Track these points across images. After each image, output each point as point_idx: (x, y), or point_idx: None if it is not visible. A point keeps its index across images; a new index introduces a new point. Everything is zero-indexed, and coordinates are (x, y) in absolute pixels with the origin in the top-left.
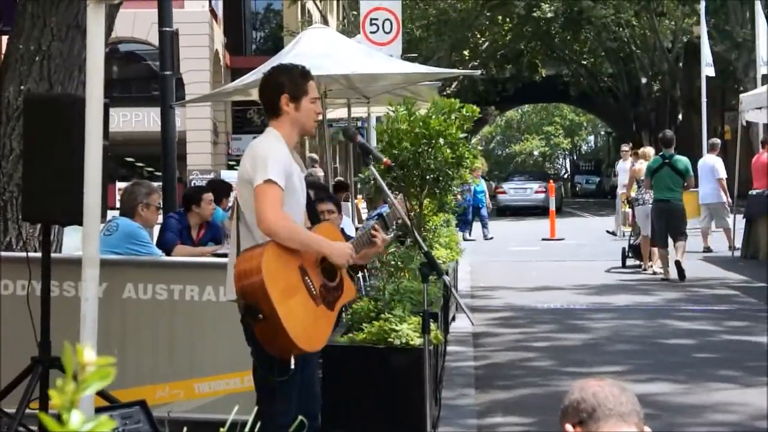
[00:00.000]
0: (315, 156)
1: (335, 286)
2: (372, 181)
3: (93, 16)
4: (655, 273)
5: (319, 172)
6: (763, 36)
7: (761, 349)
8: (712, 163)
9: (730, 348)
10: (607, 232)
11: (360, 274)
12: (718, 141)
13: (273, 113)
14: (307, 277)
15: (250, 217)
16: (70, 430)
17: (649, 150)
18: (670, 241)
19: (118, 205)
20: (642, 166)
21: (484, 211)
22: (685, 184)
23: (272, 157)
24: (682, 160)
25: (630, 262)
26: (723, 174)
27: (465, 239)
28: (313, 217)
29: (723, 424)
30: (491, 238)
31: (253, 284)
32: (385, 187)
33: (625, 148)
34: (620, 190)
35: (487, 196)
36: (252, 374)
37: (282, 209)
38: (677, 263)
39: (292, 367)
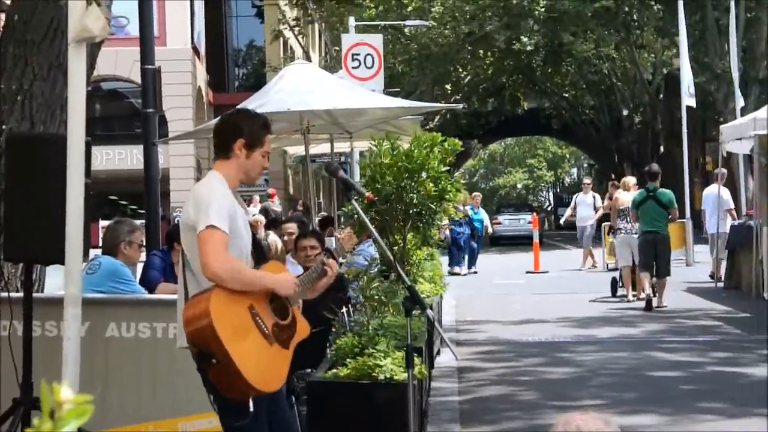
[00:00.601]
0: (271, 190)
1: (288, 324)
2: (355, 216)
3: (74, 55)
4: (641, 299)
5: (276, 207)
6: (738, 68)
7: (746, 380)
8: (715, 193)
9: (714, 379)
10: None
11: (344, 310)
12: (724, 171)
13: (223, 154)
14: (258, 318)
15: (195, 263)
16: None
17: (630, 180)
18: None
19: (101, 243)
20: (621, 195)
21: (474, 244)
22: (669, 216)
23: (214, 202)
24: (666, 193)
25: (621, 291)
26: (731, 204)
27: (464, 274)
28: (259, 256)
29: None
30: (475, 272)
31: (203, 328)
32: (368, 222)
33: (586, 181)
34: (579, 223)
35: (487, 223)
36: (219, 419)
37: (226, 252)
38: (648, 301)
39: (251, 409)
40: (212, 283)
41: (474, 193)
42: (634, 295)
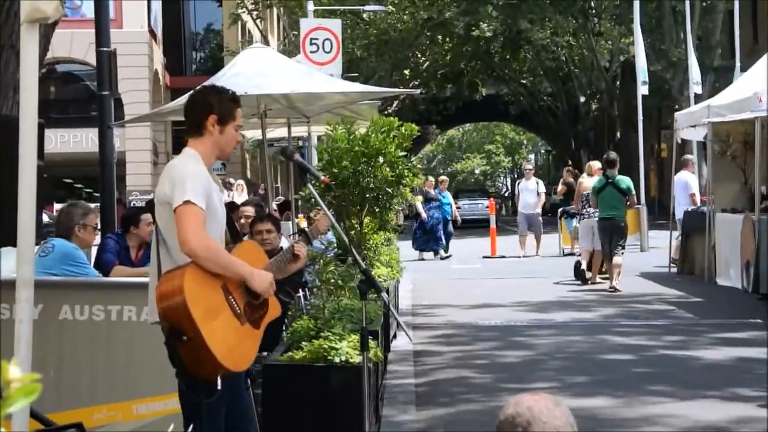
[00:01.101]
0: (231, 180)
1: (260, 304)
2: (311, 200)
3: (27, 36)
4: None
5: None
6: (694, 56)
7: (696, 363)
8: (685, 179)
9: (666, 363)
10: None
11: (300, 293)
12: (690, 157)
13: (196, 132)
14: (231, 296)
15: (170, 239)
16: None
17: (595, 164)
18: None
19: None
20: (585, 180)
21: (450, 227)
22: (628, 202)
23: (191, 178)
24: (625, 180)
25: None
26: (695, 189)
27: (442, 258)
28: (234, 235)
29: None
30: (449, 257)
31: (176, 305)
32: (324, 205)
33: (528, 166)
34: (523, 210)
35: (454, 208)
36: (178, 397)
37: (204, 228)
38: (612, 288)
39: (219, 387)
40: (186, 261)
41: (441, 177)
42: (597, 280)
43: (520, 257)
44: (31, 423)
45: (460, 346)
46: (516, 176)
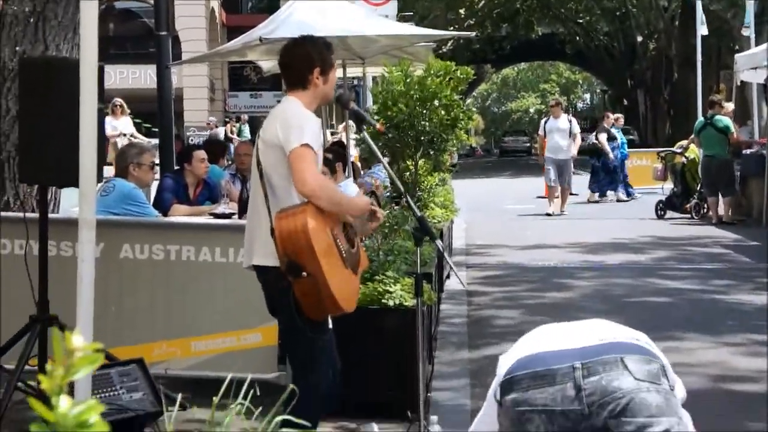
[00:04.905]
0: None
1: (355, 252)
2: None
3: None
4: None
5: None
6: None
7: (741, 308)
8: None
9: (705, 306)
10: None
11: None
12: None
13: (300, 84)
14: (337, 240)
15: (277, 180)
16: (59, 413)
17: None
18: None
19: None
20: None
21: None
22: (729, 140)
23: (306, 123)
24: (723, 120)
25: (669, 215)
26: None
27: (619, 200)
28: None
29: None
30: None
31: (298, 239)
32: (378, 153)
33: (552, 103)
34: (551, 154)
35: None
36: (283, 338)
37: (318, 171)
38: (720, 219)
39: (330, 326)
40: (289, 201)
41: (616, 115)
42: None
43: (549, 214)
44: None
45: (510, 287)
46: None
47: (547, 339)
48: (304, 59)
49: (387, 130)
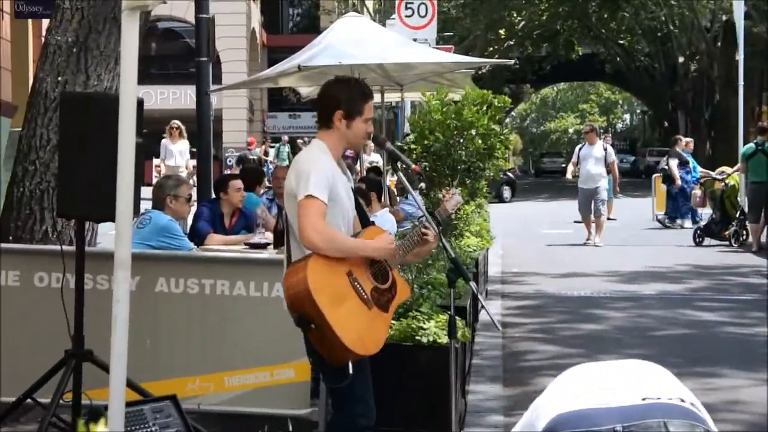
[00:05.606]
0: (250, 138)
1: (387, 288)
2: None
3: (127, 21)
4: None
5: (252, 156)
6: None
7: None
8: None
9: (737, 341)
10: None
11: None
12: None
13: (325, 124)
14: (357, 283)
15: (296, 229)
16: None
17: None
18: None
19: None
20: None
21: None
22: None
23: (314, 172)
24: None
25: (707, 242)
26: None
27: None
28: (364, 221)
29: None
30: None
31: (301, 295)
32: (414, 193)
33: (586, 129)
34: (583, 185)
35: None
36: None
37: (323, 221)
38: (760, 246)
39: (350, 371)
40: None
41: (686, 139)
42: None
43: (588, 243)
44: (127, 393)
45: (545, 318)
46: (610, 136)
47: (587, 389)
48: (330, 100)
49: (423, 158)
